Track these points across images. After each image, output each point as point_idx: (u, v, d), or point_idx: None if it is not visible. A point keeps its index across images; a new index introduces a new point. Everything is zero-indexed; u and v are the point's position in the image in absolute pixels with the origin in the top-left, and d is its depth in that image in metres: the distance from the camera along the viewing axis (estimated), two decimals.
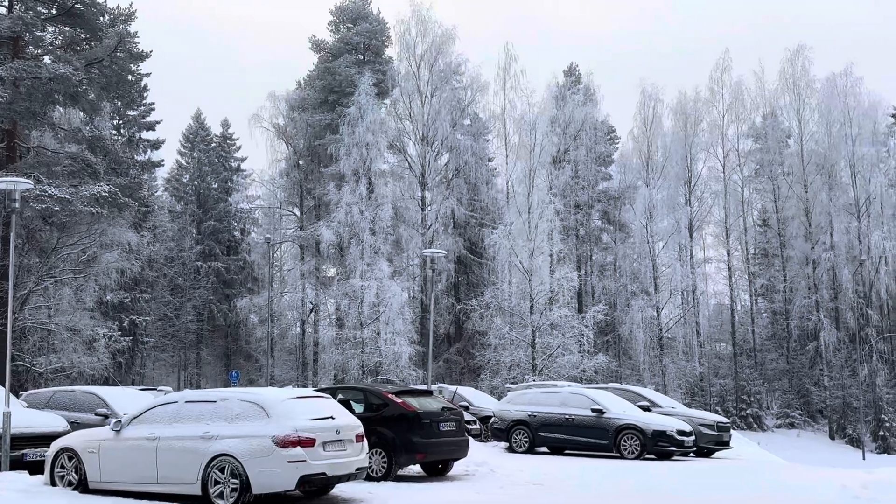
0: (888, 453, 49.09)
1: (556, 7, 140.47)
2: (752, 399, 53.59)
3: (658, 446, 20.39)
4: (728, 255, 56.75)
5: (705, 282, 58.24)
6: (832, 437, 52.80)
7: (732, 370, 55.10)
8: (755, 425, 52.41)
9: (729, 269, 56.68)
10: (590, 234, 57.97)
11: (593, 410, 21.00)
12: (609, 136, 61.15)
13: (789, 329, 56.08)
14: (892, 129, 60.08)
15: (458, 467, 16.50)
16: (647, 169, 55.25)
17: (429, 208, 53.77)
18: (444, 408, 15.71)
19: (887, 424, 50.16)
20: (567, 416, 21.33)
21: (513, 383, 33.81)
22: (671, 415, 22.39)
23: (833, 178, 54.49)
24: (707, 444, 22.28)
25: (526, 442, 21.82)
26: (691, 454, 21.67)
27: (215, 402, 12.17)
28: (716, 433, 22.69)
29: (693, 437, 21.01)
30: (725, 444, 23.01)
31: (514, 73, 54.53)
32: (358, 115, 50.87)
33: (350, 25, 59.57)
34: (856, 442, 50.46)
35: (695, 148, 56.85)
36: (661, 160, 55.29)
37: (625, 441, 20.55)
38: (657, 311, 52.34)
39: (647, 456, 20.41)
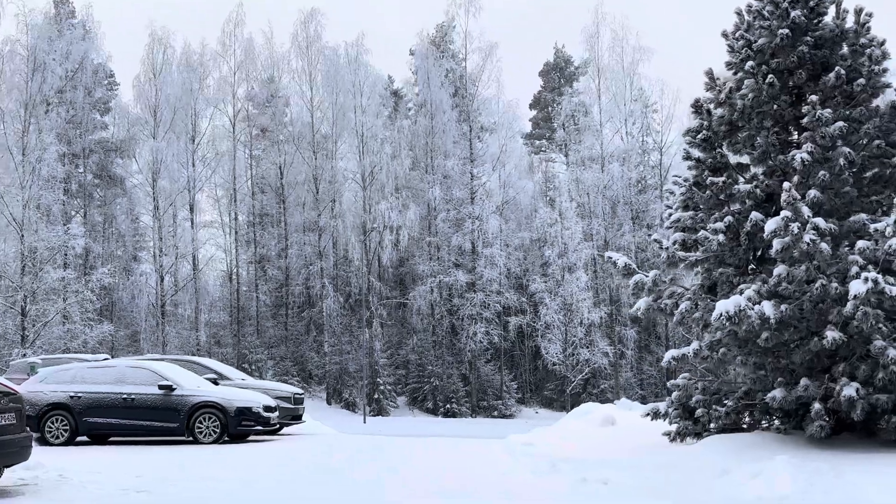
0: (381, 415, 51.09)
1: None
2: (254, 368, 52.06)
3: (242, 426, 17.23)
4: (235, 218, 54.30)
5: (207, 247, 55.29)
6: (329, 403, 53.48)
7: (235, 338, 52.94)
8: None
9: (235, 233, 54.25)
10: (84, 188, 51.03)
11: (161, 387, 17.08)
12: (108, 82, 54.56)
13: (290, 295, 55.38)
14: (381, 107, 61.94)
15: (8, 476, 11.57)
16: (154, 120, 50.18)
17: None
18: None
19: (382, 388, 52.17)
20: (125, 396, 17.11)
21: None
22: (246, 388, 19.37)
23: (341, 147, 54.92)
24: (284, 420, 19.62)
25: (65, 431, 17.07)
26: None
27: None
28: (292, 406, 20.15)
29: (277, 413, 18.22)
30: (299, 417, 20.61)
31: None
32: None
33: None
34: (351, 406, 51.71)
35: (202, 104, 53.23)
36: (170, 113, 50.50)
37: (201, 422, 17.00)
38: (161, 277, 48.00)
39: (224, 438, 17.14)
